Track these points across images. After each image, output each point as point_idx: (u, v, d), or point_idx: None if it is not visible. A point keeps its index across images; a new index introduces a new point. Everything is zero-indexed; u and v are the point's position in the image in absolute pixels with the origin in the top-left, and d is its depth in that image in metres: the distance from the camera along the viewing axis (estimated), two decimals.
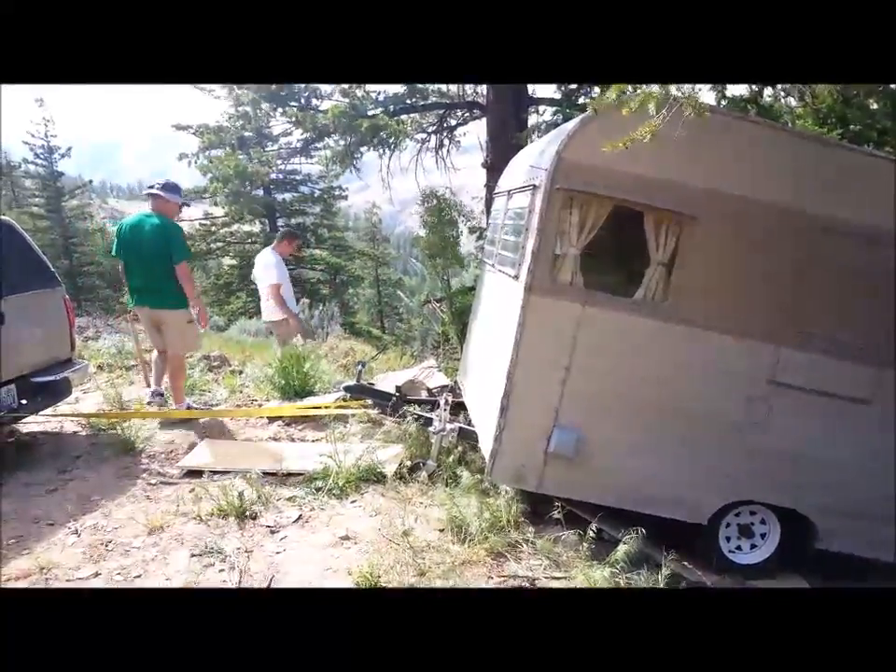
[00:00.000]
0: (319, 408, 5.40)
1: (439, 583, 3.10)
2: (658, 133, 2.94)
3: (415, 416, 4.75)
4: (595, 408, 3.70)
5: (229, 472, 4.40)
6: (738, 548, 4.06)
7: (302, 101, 10.11)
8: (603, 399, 3.69)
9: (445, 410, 4.55)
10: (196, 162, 11.36)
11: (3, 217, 4.91)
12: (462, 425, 4.63)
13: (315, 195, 28.12)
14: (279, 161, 27.26)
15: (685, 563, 3.89)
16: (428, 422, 4.68)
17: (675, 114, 2.95)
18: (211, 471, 4.44)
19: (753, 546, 4.07)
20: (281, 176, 28.09)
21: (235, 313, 25.66)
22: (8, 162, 31.01)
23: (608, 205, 3.55)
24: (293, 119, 9.68)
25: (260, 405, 5.97)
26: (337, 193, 28.24)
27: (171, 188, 5.39)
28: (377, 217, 32.72)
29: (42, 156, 28.17)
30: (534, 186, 3.76)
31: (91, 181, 34.73)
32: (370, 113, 8.24)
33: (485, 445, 3.98)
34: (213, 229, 27.88)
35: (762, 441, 3.69)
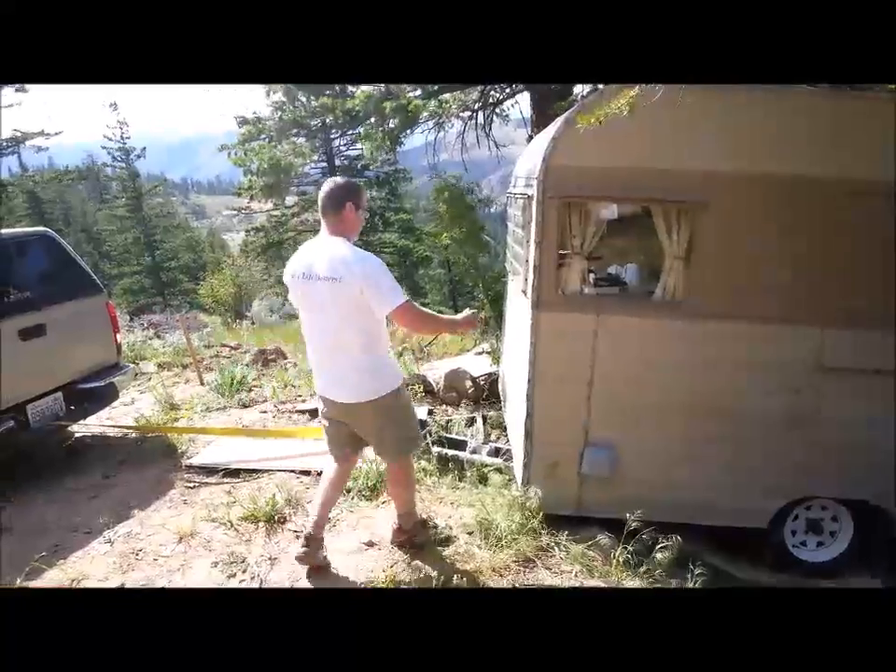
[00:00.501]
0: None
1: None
2: (644, 121, 2.71)
3: (443, 454, 4.46)
4: (627, 421, 3.45)
5: (259, 471, 4.41)
6: (803, 543, 3.73)
7: (337, 88, 9.96)
8: (634, 411, 3.44)
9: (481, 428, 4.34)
10: (234, 154, 11.37)
11: (41, 229, 5.02)
12: (498, 445, 4.45)
13: (381, 178, 28.20)
14: (343, 148, 27.74)
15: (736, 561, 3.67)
16: (461, 446, 4.49)
17: (661, 99, 2.64)
18: (246, 470, 4.46)
19: (820, 544, 3.72)
20: (346, 162, 28.34)
21: None
22: (92, 166, 32.50)
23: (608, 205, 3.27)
24: (325, 106, 9.56)
25: (304, 400, 5.95)
26: (402, 176, 28.26)
27: None
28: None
29: (119, 158, 29.42)
30: (528, 196, 3.50)
31: (165, 179, 36.07)
32: (409, 94, 8.03)
33: (517, 471, 3.80)
34: (283, 219, 28.40)
35: (816, 431, 3.32)
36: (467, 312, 3.12)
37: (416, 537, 3.38)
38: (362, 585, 3.10)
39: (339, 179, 2.95)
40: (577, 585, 3.08)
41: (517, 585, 3.07)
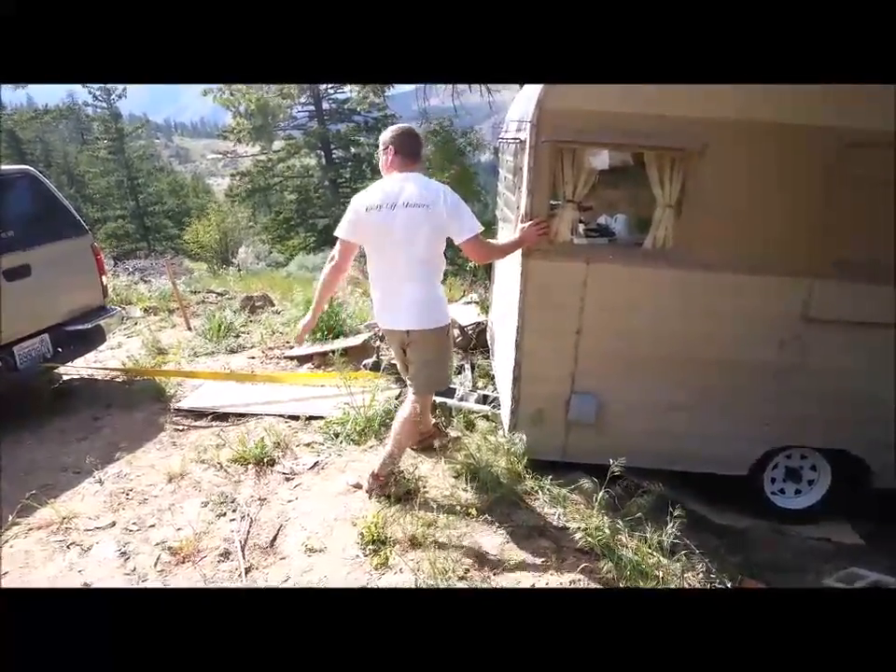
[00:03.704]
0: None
1: (445, 533, 3.02)
2: None
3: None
4: (614, 369, 3.48)
5: (247, 415, 4.47)
6: (782, 491, 3.83)
7: None
8: (621, 360, 3.46)
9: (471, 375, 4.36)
10: (220, 97, 11.11)
11: (24, 167, 4.91)
12: (485, 392, 4.49)
13: (369, 124, 27.69)
14: (331, 90, 27.14)
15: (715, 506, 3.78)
16: (449, 393, 4.52)
17: None
18: (235, 414, 4.50)
19: (798, 491, 3.82)
20: (334, 106, 27.77)
21: (295, 248, 25.98)
22: (72, 105, 31.67)
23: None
24: None
25: (291, 347, 5.96)
26: (391, 121, 27.70)
27: None
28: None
29: (101, 97, 28.61)
30: (520, 140, 3.45)
31: (148, 120, 35.25)
32: None
33: (504, 417, 3.84)
34: (269, 164, 27.90)
35: (800, 382, 3.38)
36: (525, 225, 3.23)
37: (390, 487, 3.38)
38: (345, 528, 3.18)
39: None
40: (566, 530, 3.17)
41: (503, 525, 3.15)
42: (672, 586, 2.77)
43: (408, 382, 3.49)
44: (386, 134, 3.21)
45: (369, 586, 2.75)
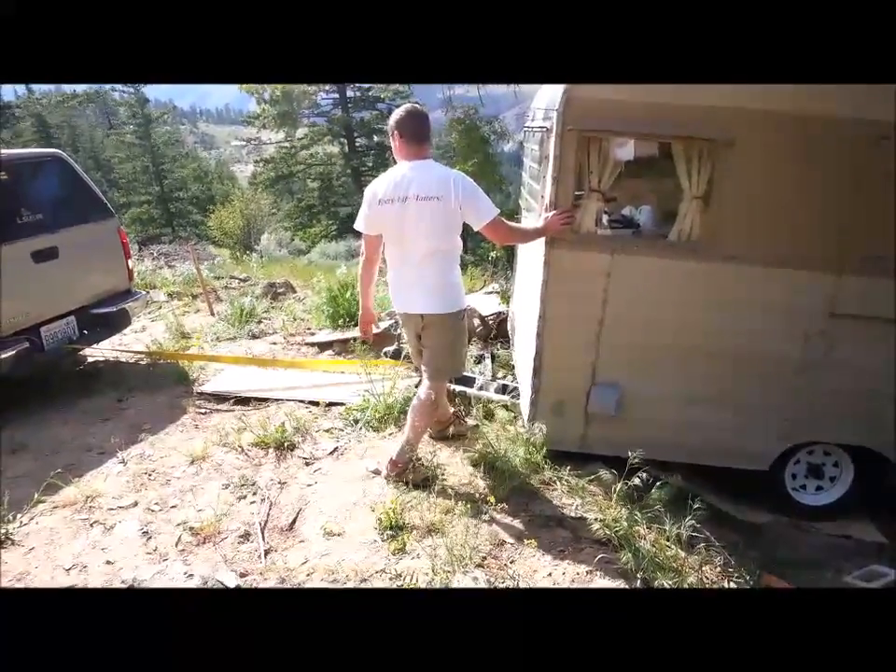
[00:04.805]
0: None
1: (462, 520, 3.03)
2: None
3: (451, 390, 4.29)
4: (636, 361, 3.45)
5: (268, 400, 4.50)
6: (803, 487, 3.79)
7: None
8: (644, 351, 3.42)
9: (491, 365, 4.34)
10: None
11: (53, 150, 4.97)
12: (505, 382, 4.49)
13: (394, 111, 27.62)
14: None
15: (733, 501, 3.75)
16: (469, 382, 4.52)
17: None
18: (256, 399, 4.54)
19: (819, 488, 3.78)
20: (358, 94, 27.73)
21: (317, 236, 26.06)
22: (99, 89, 32.01)
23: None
24: None
25: (313, 333, 6.00)
26: None
27: None
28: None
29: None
30: (546, 129, 3.42)
31: (174, 106, 35.47)
32: None
33: (524, 407, 3.83)
34: (293, 151, 27.98)
35: (823, 377, 3.33)
36: (550, 214, 3.21)
37: (408, 474, 3.38)
38: (363, 513, 3.20)
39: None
40: (584, 520, 3.17)
41: (521, 514, 3.16)
42: (690, 579, 2.77)
43: (422, 368, 3.50)
44: (392, 118, 3.14)
45: (380, 587, 2.72)
